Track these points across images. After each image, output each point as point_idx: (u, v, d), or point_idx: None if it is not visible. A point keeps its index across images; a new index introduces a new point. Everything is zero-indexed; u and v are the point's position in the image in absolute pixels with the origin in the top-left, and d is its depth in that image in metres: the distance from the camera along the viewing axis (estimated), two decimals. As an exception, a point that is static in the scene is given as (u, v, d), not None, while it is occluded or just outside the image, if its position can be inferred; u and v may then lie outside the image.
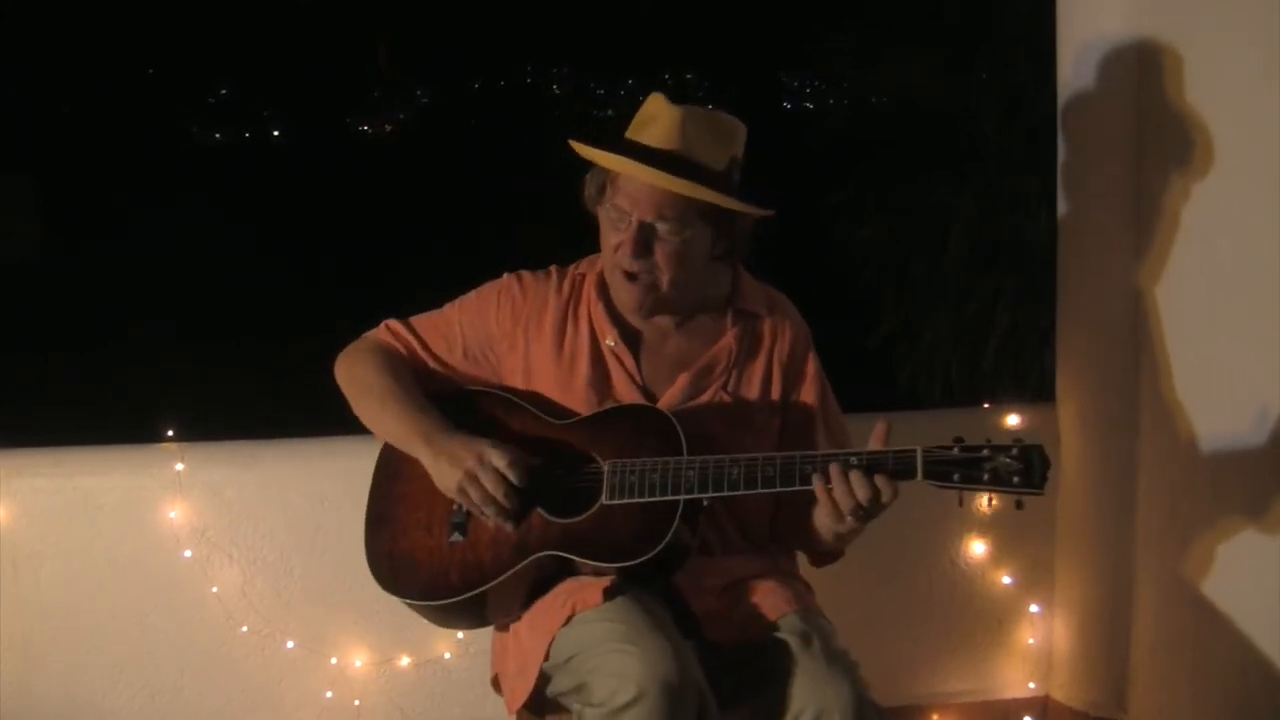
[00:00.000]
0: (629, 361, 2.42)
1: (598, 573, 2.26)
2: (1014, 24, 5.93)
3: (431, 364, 2.50)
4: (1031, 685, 3.28)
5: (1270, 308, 2.70)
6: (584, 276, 2.51)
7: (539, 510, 2.30)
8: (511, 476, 2.26)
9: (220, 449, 3.07)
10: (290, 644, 3.02)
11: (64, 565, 2.98)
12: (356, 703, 3.05)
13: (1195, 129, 2.81)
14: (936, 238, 6.56)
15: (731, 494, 2.21)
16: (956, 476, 2.12)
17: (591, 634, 2.17)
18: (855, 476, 2.14)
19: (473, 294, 2.55)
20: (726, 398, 2.42)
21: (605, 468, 2.28)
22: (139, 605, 3.00)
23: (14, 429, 3.23)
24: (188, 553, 2.98)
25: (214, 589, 2.99)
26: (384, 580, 2.39)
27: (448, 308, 2.55)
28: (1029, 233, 5.84)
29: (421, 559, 2.36)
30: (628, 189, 2.31)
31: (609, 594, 2.20)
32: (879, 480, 2.14)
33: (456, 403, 2.45)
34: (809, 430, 2.46)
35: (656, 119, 2.31)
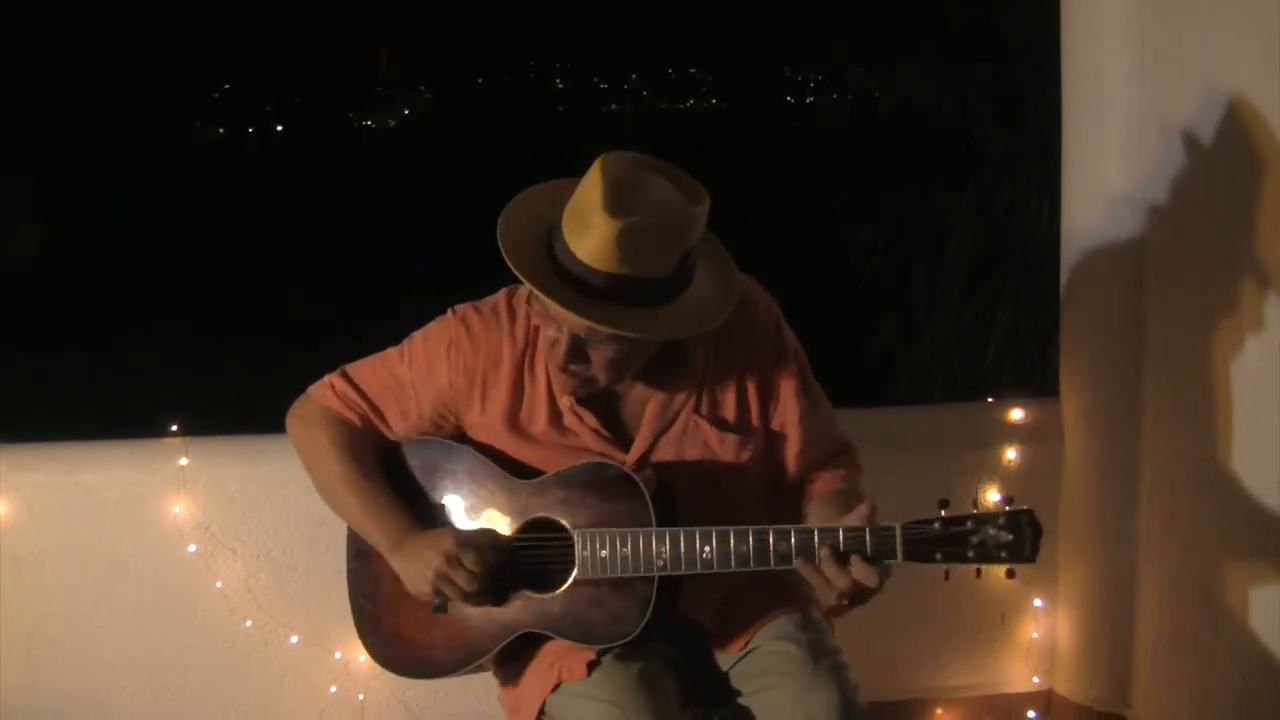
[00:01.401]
0: (589, 418, 2.26)
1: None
2: (1016, 25, 5.94)
3: (386, 432, 2.35)
4: (1035, 679, 3.28)
5: (1271, 305, 2.70)
6: (538, 328, 2.25)
7: (516, 586, 2.24)
8: (479, 571, 2.17)
9: (224, 444, 3.07)
10: (294, 639, 3.02)
11: (67, 561, 2.98)
12: (361, 697, 3.05)
13: (1198, 129, 2.81)
14: (937, 238, 6.58)
15: (706, 573, 2.12)
16: (939, 555, 1.99)
17: (578, 712, 2.14)
18: (830, 568, 2.02)
19: (419, 342, 2.33)
20: (700, 422, 2.27)
21: (575, 539, 2.18)
22: (142, 600, 3.00)
23: (17, 424, 3.23)
24: (191, 548, 2.98)
25: (218, 584, 3.00)
26: (378, 656, 2.37)
27: (394, 359, 2.34)
28: (1030, 232, 5.86)
29: (407, 634, 2.33)
30: (560, 319, 2.10)
31: (592, 666, 2.16)
32: (857, 570, 2.02)
33: (416, 459, 2.34)
34: (784, 437, 2.33)
35: (591, 226, 2.01)
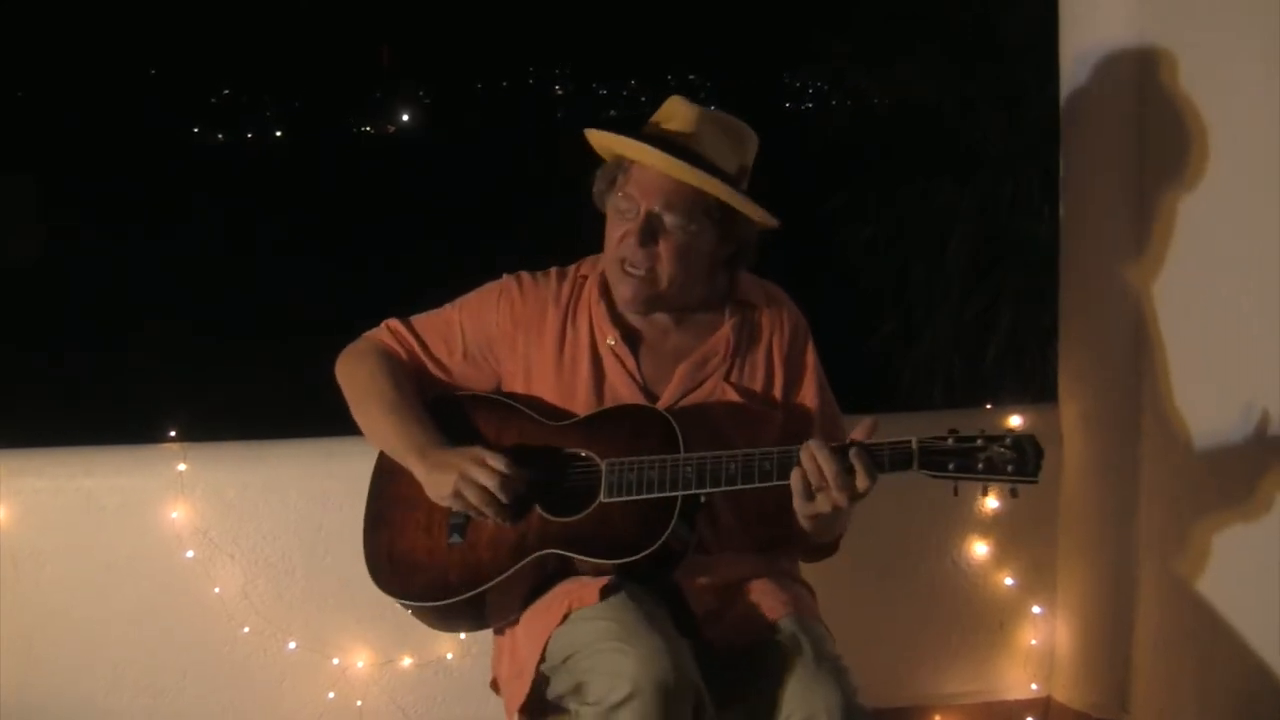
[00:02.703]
0: (629, 361, 2.42)
1: (597, 571, 2.25)
2: (1017, 25, 5.94)
3: (431, 367, 2.50)
4: (1034, 686, 3.27)
5: (1271, 307, 2.69)
6: (585, 278, 2.50)
7: (537, 510, 2.30)
8: (505, 470, 2.26)
9: (222, 449, 3.07)
10: (292, 645, 3.02)
11: (66, 566, 2.98)
12: (358, 703, 3.05)
13: (1197, 130, 2.80)
14: (938, 239, 6.57)
15: (730, 489, 2.21)
16: (951, 466, 2.12)
17: (587, 632, 2.16)
18: (823, 455, 2.12)
19: (473, 294, 2.54)
20: (727, 389, 2.42)
21: (603, 466, 2.28)
22: (141, 606, 3.00)
23: (16, 429, 3.23)
24: (190, 553, 2.98)
25: (216, 590, 2.99)
26: (383, 582, 2.39)
27: (448, 308, 2.54)
28: (1031, 232, 5.85)
29: (421, 560, 2.36)
30: (640, 178, 2.32)
31: (605, 592, 2.19)
32: (854, 456, 2.11)
33: (452, 409, 2.45)
34: (807, 425, 2.44)
35: (674, 115, 2.34)
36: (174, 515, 2.97)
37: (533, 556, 2.28)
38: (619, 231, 2.36)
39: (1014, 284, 6.12)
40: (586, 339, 2.44)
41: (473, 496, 2.27)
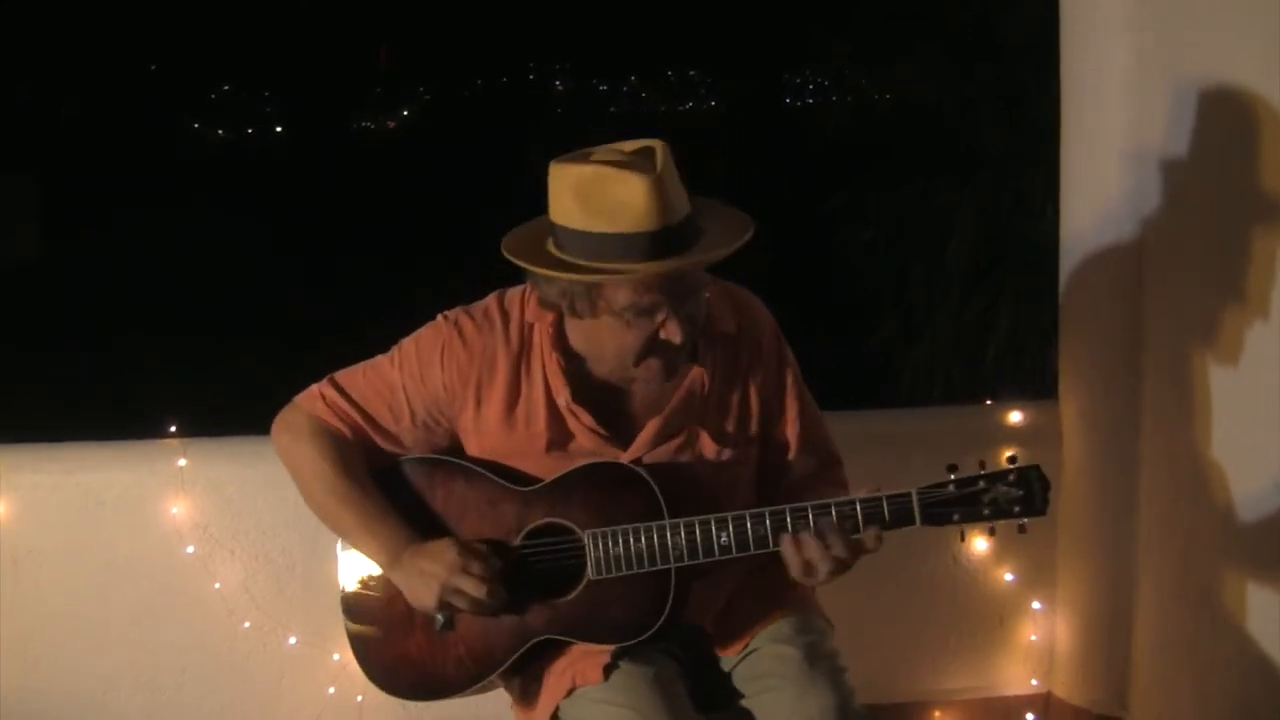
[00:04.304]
0: (585, 417, 2.22)
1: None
2: (1017, 25, 5.94)
3: (380, 440, 2.29)
4: (1033, 682, 3.28)
5: (1271, 306, 2.69)
6: (533, 327, 2.25)
7: (526, 592, 2.20)
8: (490, 578, 2.14)
9: (223, 445, 3.08)
10: (292, 640, 3.02)
11: (66, 561, 2.99)
12: (359, 698, 3.05)
13: (1197, 129, 2.80)
14: (938, 239, 6.58)
15: (724, 558, 2.12)
16: (957, 516, 2.06)
17: (598, 716, 2.12)
18: (834, 539, 2.06)
19: (410, 347, 2.29)
20: (701, 434, 2.26)
21: (585, 539, 2.16)
22: (141, 601, 3.01)
23: (16, 424, 3.23)
24: (190, 549, 2.98)
25: (216, 585, 3.00)
26: (379, 682, 2.30)
27: (385, 365, 2.30)
28: (1031, 232, 5.85)
29: (412, 656, 2.26)
30: (655, 288, 2.05)
31: (609, 669, 2.14)
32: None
33: (404, 477, 2.29)
34: (786, 449, 2.35)
35: (621, 198, 2.01)
36: (174, 510, 2.97)
37: (531, 643, 2.20)
38: (641, 334, 2.10)
39: (1014, 284, 6.13)
40: (542, 394, 2.23)
41: (463, 604, 2.16)
